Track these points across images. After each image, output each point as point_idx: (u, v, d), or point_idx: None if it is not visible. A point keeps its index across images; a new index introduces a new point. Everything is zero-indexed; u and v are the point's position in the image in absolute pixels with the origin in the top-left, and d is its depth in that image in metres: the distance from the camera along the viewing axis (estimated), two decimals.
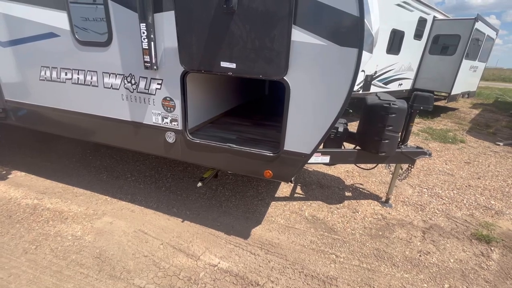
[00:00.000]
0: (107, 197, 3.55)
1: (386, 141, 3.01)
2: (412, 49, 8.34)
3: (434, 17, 8.57)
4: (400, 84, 8.57)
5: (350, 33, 1.78)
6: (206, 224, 3.13)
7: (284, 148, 2.25)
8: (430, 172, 4.79)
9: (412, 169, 3.55)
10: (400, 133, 3.13)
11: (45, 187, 3.72)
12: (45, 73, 2.98)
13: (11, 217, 3.07)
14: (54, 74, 2.93)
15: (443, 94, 9.49)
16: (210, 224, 3.13)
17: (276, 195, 3.80)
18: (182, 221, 3.16)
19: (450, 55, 8.63)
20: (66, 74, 2.86)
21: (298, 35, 1.88)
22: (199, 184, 2.84)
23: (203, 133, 2.88)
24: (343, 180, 4.36)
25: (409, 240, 3.06)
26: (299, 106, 2.08)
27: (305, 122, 2.11)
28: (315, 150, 2.16)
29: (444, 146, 6.34)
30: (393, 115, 2.91)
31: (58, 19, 2.64)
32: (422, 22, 8.17)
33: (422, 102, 3.16)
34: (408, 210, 3.63)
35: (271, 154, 2.34)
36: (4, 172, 4.05)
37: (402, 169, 3.64)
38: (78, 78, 2.81)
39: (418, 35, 8.28)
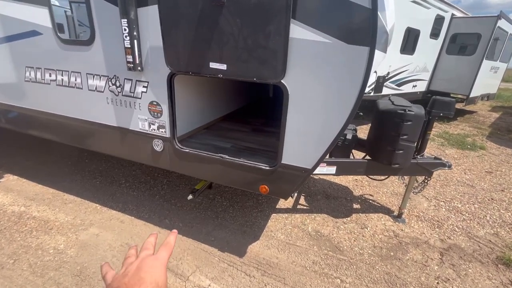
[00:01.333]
0: (97, 205, 3.35)
1: (400, 151, 2.67)
2: (428, 48, 7.86)
3: (453, 14, 8.06)
4: (414, 86, 8.10)
5: (360, 28, 1.48)
6: (199, 239, 2.87)
7: (282, 162, 1.97)
8: (447, 183, 4.39)
9: (428, 182, 3.19)
10: (416, 143, 2.79)
11: (35, 192, 3.55)
12: (29, 74, 2.80)
13: None
14: (38, 75, 2.74)
15: (459, 96, 8.96)
16: (203, 239, 2.87)
17: (277, 206, 3.51)
18: None
19: (469, 55, 8.11)
20: (50, 75, 2.67)
21: (298, 32, 1.60)
22: (190, 197, 2.59)
23: (195, 140, 2.63)
24: (351, 190, 4.02)
25: (425, 263, 2.72)
26: (299, 114, 1.79)
27: (306, 133, 1.82)
28: (317, 165, 1.86)
29: (463, 153, 5.88)
30: (409, 123, 2.57)
31: (39, 16, 2.44)
32: (439, 20, 7.68)
33: (442, 108, 2.81)
34: (424, 227, 3.27)
35: (267, 168, 2.06)
36: None
37: (417, 181, 3.28)
38: (62, 79, 2.61)
39: (434, 34, 7.80)
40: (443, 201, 3.83)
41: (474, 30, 7.97)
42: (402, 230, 3.19)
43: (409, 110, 2.56)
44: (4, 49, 2.81)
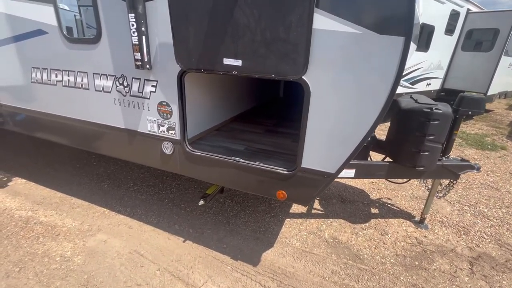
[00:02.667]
0: (105, 209, 3.25)
1: (426, 153, 2.48)
2: (443, 45, 7.57)
3: (468, 10, 7.75)
4: (429, 84, 7.81)
5: (395, 17, 1.31)
6: (210, 246, 2.73)
7: (302, 166, 1.81)
8: (470, 185, 4.15)
9: (454, 186, 2.98)
10: (442, 144, 2.59)
11: (43, 196, 3.48)
12: (36, 75, 2.71)
13: (1, 231, 2.83)
14: (44, 76, 2.65)
15: (473, 94, 8.62)
16: (214, 246, 2.73)
17: (291, 211, 3.35)
18: (184, 241, 2.79)
19: (485, 52, 7.78)
20: (56, 76, 2.57)
21: (322, 22, 1.44)
22: (201, 202, 2.45)
23: (207, 142, 2.49)
24: (367, 194, 3.83)
25: (454, 273, 2.51)
26: (322, 114, 1.63)
27: (330, 134, 1.66)
28: (342, 169, 1.70)
29: (483, 153, 5.60)
30: (436, 122, 2.38)
31: (45, 14, 2.35)
32: (454, 15, 7.39)
33: (471, 106, 2.60)
34: (449, 233, 3.05)
35: (286, 172, 1.90)
36: (5, 179, 3.87)
37: (441, 185, 3.07)
38: (68, 80, 2.51)
39: (449, 30, 7.50)
40: (468, 206, 3.60)
41: (491, 25, 7.65)
42: (425, 237, 2.99)
43: (436, 109, 2.37)
44: (10, 49, 2.74)
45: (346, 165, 1.68)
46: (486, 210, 3.51)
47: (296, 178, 1.86)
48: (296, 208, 3.40)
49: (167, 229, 2.95)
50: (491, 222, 3.27)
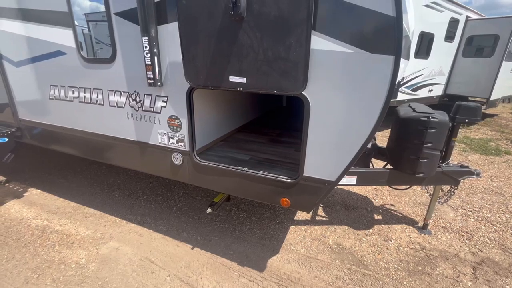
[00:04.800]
0: (116, 218, 3.38)
1: (425, 160, 2.57)
2: (443, 52, 7.68)
3: (467, 17, 7.88)
4: (431, 90, 7.90)
5: (385, 37, 1.44)
6: (218, 252, 2.83)
7: (304, 174, 1.92)
8: (473, 191, 4.18)
9: (455, 191, 3.05)
10: (441, 151, 2.68)
11: (57, 206, 3.64)
12: (54, 92, 2.90)
13: (19, 240, 2.97)
14: (62, 93, 2.84)
15: (477, 99, 8.68)
16: (222, 252, 2.83)
17: (295, 218, 3.43)
18: (192, 248, 2.89)
19: (486, 57, 7.86)
20: (73, 93, 2.76)
21: (319, 43, 1.58)
22: (209, 210, 2.57)
23: (213, 153, 2.63)
24: (371, 200, 3.89)
25: (457, 278, 2.56)
26: (321, 126, 1.76)
27: (329, 144, 1.78)
28: (341, 177, 1.81)
29: (487, 158, 5.62)
30: (433, 130, 2.48)
31: (64, 37, 2.55)
32: (453, 23, 7.53)
33: (467, 114, 2.69)
34: (452, 239, 3.10)
35: (289, 180, 2.01)
36: (21, 189, 4.05)
37: (442, 190, 3.14)
38: (84, 96, 2.69)
39: (449, 37, 7.63)
40: (471, 211, 3.64)
41: (491, 31, 7.75)
42: (428, 242, 3.03)
43: (432, 117, 2.47)
44: (30, 69, 2.95)
45: (345, 173, 1.79)
46: (489, 215, 3.54)
47: (298, 186, 1.97)
48: (301, 215, 3.49)
49: (176, 236, 3.06)
50: (495, 227, 3.30)
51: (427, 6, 6.44)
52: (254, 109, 4.02)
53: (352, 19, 1.48)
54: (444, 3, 6.89)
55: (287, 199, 2.04)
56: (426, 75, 7.44)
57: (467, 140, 6.79)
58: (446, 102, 8.61)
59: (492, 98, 7.89)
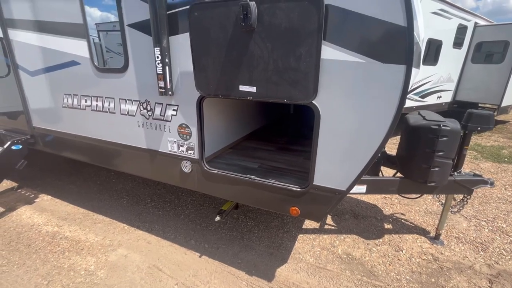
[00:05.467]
0: (124, 225, 3.40)
1: (436, 168, 2.52)
2: (452, 58, 7.62)
3: (476, 23, 7.83)
4: (439, 97, 7.81)
5: (396, 47, 1.45)
6: (226, 261, 2.81)
7: (314, 183, 1.91)
8: (487, 200, 4.07)
9: (468, 201, 2.97)
10: (453, 159, 2.63)
11: (67, 212, 3.68)
12: (67, 101, 2.98)
13: (30, 246, 3.01)
14: (75, 102, 2.91)
15: (487, 105, 8.54)
16: (230, 261, 2.81)
17: (303, 226, 3.39)
18: (200, 256, 2.88)
19: (497, 63, 7.77)
20: (86, 101, 2.83)
21: (329, 52, 1.59)
22: (217, 218, 2.56)
23: (222, 161, 2.64)
24: (380, 209, 3.83)
25: None
26: (331, 135, 1.75)
27: (339, 153, 1.77)
28: (352, 186, 1.79)
29: (499, 166, 5.48)
30: (445, 139, 2.44)
31: (78, 47, 2.63)
32: (461, 29, 7.48)
33: (480, 122, 2.65)
34: (466, 250, 3.01)
35: (298, 189, 2.00)
36: (32, 195, 4.13)
37: (455, 200, 3.07)
38: (96, 105, 2.75)
39: (458, 44, 7.58)
40: (485, 221, 3.54)
41: (500, 37, 7.68)
42: (441, 253, 2.95)
43: (444, 125, 2.43)
44: (46, 78, 3.04)
45: (356, 182, 1.77)
46: (504, 226, 3.44)
47: (308, 195, 1.95)
48: (309, 223, 3.45)
49: (184, 244, 3.06)
50: (511, 238, 3.20)
51: (434, 13, 6.44)
52: (262, 117, 4.03)
53: (363, 29, 1.49)
54: (452, 10, 6.87)
55: (296, 208, 2.03)
56: (435, 81, 7.38)
57: (479, 147, 6.65)
58: (455, 108, 8.50)
59: (503, 104, 7.75)
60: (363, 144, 1.68)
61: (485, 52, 8.08)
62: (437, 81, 7.46)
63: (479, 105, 8.76)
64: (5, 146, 3.51)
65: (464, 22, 7.43)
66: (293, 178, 2.24)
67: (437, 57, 7.08)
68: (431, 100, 7.51)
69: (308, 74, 1.64)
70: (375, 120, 1.61)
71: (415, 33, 1.52)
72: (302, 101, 1.74)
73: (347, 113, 1.67)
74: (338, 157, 1.78)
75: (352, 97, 1.63)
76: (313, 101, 1.72)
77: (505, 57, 7.54)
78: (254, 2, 1.62)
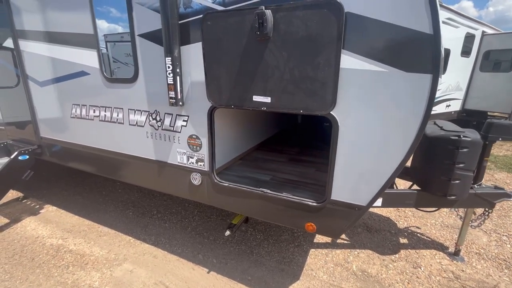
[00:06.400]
0: (130, 238, 3.30)
1: (457, 181, 2.40)
2: (460, 67, 7.54)
3: (483, 32, 7.77)
4: (448, 106, 7.69)
5: (421, 55, 1.37)
6: (235, 277, 2.68)
7: (332, 198, 1.81)
8: (506, 213, 3.90)
9: (489, 215, 2.83)
10: (473, 171, 2.51)
11: (72, 224, 3.61)
12: (75, 111, 2.95)
13: (34, 259, 2.93)
14: (83, 112, 2.88)
15: (496, 114, 8.40)
16: (239, 277, 2.68)
17: (315, 241, 3.26)
18: (208, 272, 2.76)
19: (506, 72, 7.67)
20: (94, 112, 2.79)
21: (349, 61, 1.52)
22: (227, 232, 2.46)
23: (232, 173, 2.55)
24: (394, 222, 3.68)
25: None
26: (351, 147, 1.66)
27: (359, 167, 1.67)
28: (373, 202, 1.69)
29: None
30: (465, 150, 2.33)
31: (88, 58, 2.61)
32: (469, 38, 7.43)
33: (501, 132, 2.53)
34: (488, 267, 2.84)
35: (315, 204, 1.90)
36: (38, 206, 4.07)
37: (475, 214, 2.92)
38: (105, 115, 2.71)
39: (466, 52, 7.51)
40: (506, 235, 3.37)
41: (509, 46, 7.61)
42: (463, 270, 2.79)
43: (464, 136, 2.33)
44: (54, 88, 3.03)
45: (378, 197, 1.67)
46: None
47: (325, 210, 1.85)
48: (320, 237, 3.31)
49: (191, 258, 2.95)
50: None
51: (442, 22, 6.39)
52: (270, 127, 3.97)
53: (385, 37, 1.43)
54: (459, 19, 6.84)
55: (312, 224, 1.92)
56: (443, 90, 7.28)
57: (491, 157, 6.47)
58: (464, 117, 8.36)
59: None
60: (385, 157, 1.59)
61: (493, 60, 7.99)
62: (446, 89, 7.36)
63: (488, 113, 8.62)
64: (11, 157, 3.48)
65: (471, 31, 7.39)
66: (307, 192, 2.14)
67: (446, 66, 7.00)
68: (440, 109, 7.40)
69: (326, 84, 1.57)
70: (398, 132, 1.52)
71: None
72: (319, 112, 1.67)
73: (368, 125, 1.58)
74: (358, 170, 1.68)
75: (373, 107, 1.55)
76: (331, 112, 1.64)
77: None
78: (270, 11, 1.57)
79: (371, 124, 1.58)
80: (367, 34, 1.46)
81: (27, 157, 3.57)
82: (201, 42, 1.91)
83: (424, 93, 1.40)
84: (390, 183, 1.62)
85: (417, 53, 1.38)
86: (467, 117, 8.27)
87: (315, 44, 1.53)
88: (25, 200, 4.24)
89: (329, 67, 1.54)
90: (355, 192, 1.73)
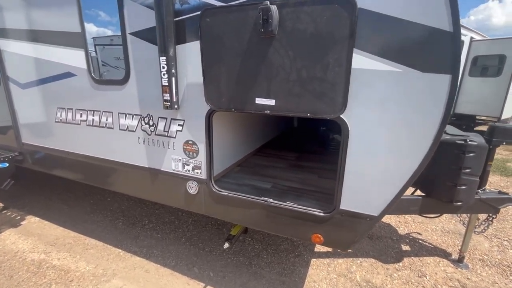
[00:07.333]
0: (120, 250, 3.08)
1: (463, 187, 2.33)
2: None
3: (471, 38, 7.97)
4: None
5: (440, 55, 1.28)
6: None
7: (341, 207, 1.69)
8: (504, 217, 3.88)
9: (493, 220, 2.78)
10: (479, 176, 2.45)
11: (56, 236, 3.35)
12: (60, 115, 2.75)
13: (12, 277, 2.67)
14: (69, 116, 2.68)
15: (483, 117, 8.59)
16: None
17: (316, 250, 3.13)
18: (205, 287, 2.58)
19: (493, 77, 7.87)
20: (81, 116, 2.59)
21: (361, 61, 1.42)
22: (226, 245, 2.29)
23: (231, 180, 2.40)
24: (395, 228, 3.60)
25: None
26: (362, 152, 1.55)
27: (371, 174, 1.56)
28: (386, 212, 1.57)
29: (508, 180, 5.35)
30: (472, 155, 2.27)
31: (75, 58, 2.43)
32: None
33: (505, 136, 2.50)
34: (493, 274, 2.78)
35: (322, 214, 1.77)
36: (19, 217, 3.79)
37: (478, 219, 2.87)
38: (93, 119, 2.52)
39: None
40: (507, 240, 3.33)
41: (495, 51, 7.83)
42: (468, 278, 2.71)
43: (470, 140, 2.27)
44: (38, 91, 2.81)
45: (391, 207, 1.56)
46: None
47: (334, 220, 1.72)
48: (321, 246, 3.18)
49: (186, 272, 2.76)
50: None
51: None
52: (268, 131, 3.84)
53: (400, 35, 1.33)
54: None
55: (319, 236, 1.79)
56: None
57: None
58: (454, 121, 8.50)
59: (503, 117, 7.77)
60: (400, 164, 1.48)
61: (481, 65, 8.20)
62: None
63: (477, 117, 8.82)
64: None
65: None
66: (312, 200, 2.01)
67: None
68: None
69: (336, 85, 1.46)
70: (414, 137, 1.42)
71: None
72: (328, 115, 1.55)
73: (381, 129, 1.48)
74: (370, 178, 1.57)
75: (387, 110, 1.44)
76: (341, 115, 1.53)
77: (502, 71, 7.63)
78: (275, 6, 1.45)
79: (384, 129, 1.48)
80: (381, 32, 1.36)
81: (7, 164, 3.31)
82: (198, 41, 1.78)
83: (442, 95, 1.31)
84: (404, 191, 1.52)
85: (435, 52, 1.28)
86: (456, 121, 8.42)
87: (324, 42, 1.42)
88: (5, 211, 3.94)
89: (340, 67, 1.43)
90: (366, 201, 1.62)
